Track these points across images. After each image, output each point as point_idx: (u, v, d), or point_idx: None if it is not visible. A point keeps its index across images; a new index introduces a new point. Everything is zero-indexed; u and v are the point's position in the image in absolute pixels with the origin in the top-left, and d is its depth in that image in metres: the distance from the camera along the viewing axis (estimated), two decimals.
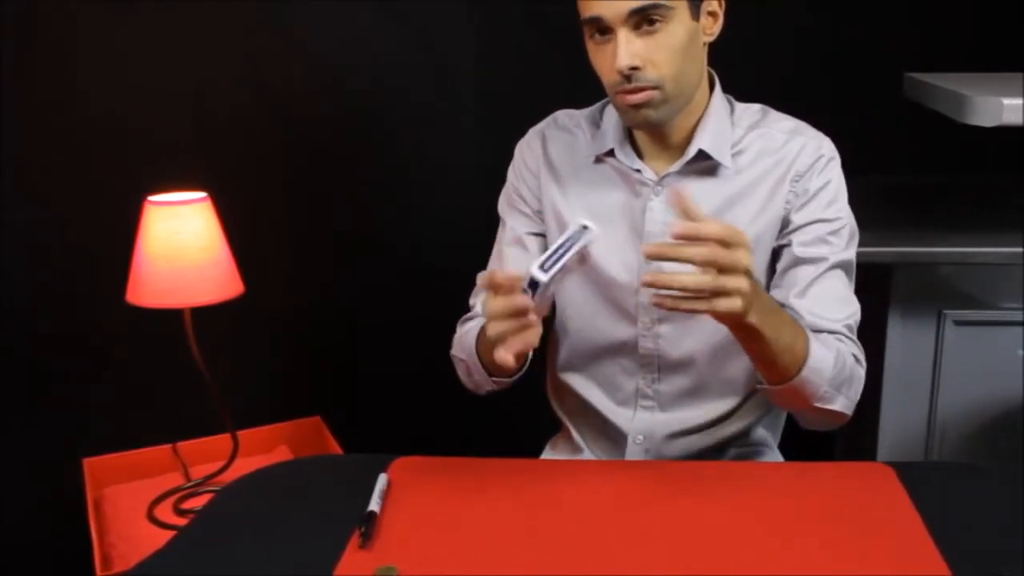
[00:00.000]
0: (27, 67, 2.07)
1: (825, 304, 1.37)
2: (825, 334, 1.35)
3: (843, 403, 1.34)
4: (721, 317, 1.14)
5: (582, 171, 1.47)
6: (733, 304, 1.11)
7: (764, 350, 1.24)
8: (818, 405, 1.31)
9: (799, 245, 1.39)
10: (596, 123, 1.49)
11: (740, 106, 1.45)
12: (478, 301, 1.51)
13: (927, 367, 2.06)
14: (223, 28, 2.19)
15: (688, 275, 1.10)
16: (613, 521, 1.16)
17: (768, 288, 1.42)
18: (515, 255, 1.51)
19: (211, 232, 1.83)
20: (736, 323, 1.18)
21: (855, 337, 1.39)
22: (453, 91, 2.42)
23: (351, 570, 1.07)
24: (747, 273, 1.11)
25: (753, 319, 1.17)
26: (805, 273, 1.38)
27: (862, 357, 1.38)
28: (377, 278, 2.43)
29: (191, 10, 2.14)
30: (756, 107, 1.46)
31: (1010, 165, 2.40)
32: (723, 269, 1.10)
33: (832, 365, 1.30)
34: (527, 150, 1.53)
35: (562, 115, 1.53)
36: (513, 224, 1.53)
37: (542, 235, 1.52)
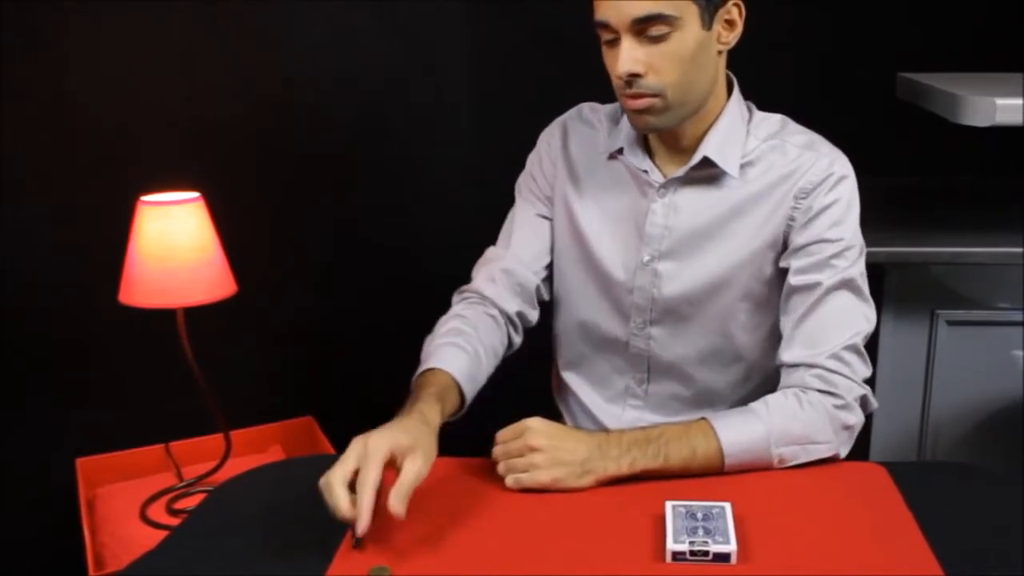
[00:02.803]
0: (20, 69, 2.06)
1: (815, 335, 1.33)
2: (802, 370, 1.32)
3: (820, 450, 1.29)
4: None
5: (597, 168, 1.48)
6: (534, 478, 1.23)
7: (664, 474, 1.25)
8: (784, 467, 1.28)
9: (795, 272, 1.36)
10: (616, 119, 1.48)
11: (759, 115, 1.43)
12: (478, 275, 1.53)
13: (920, 367, 2.07)
14: (217, 29, 2.18)
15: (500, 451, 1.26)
16: (607, 520, 1.16)
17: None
18: (522, 236, 1.52)
19: (204, 232, 1.83)
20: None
21: (848, 358, 1.32)
22: (447, 93, 2.42)
23: (344, 570, 1.07)
24: (531, 450, 1.23)
25: (611, 470, 1.24)
26: (798, 303, 1.35)
27: (850, 382, 1.32)
28: (369, 278, 2.43)
29: (185, 11, 2.13)
30: (777, 118, 1.43)
31: (1003, 166, 2.41)
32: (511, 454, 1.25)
33: (765, 436, 1.26)
34: (549, 139, 1.54)
35: (587, 108, 1.53)
36: (524, 205, 1.54)
37: (544, 217, 1.53)
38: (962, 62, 2.26)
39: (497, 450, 1.26)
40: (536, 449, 1.23)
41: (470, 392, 1.37)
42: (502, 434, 1.27)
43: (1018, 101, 1.84)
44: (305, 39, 2.26)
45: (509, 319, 1.50)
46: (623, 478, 1.24)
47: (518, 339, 1.53)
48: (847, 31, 2.41)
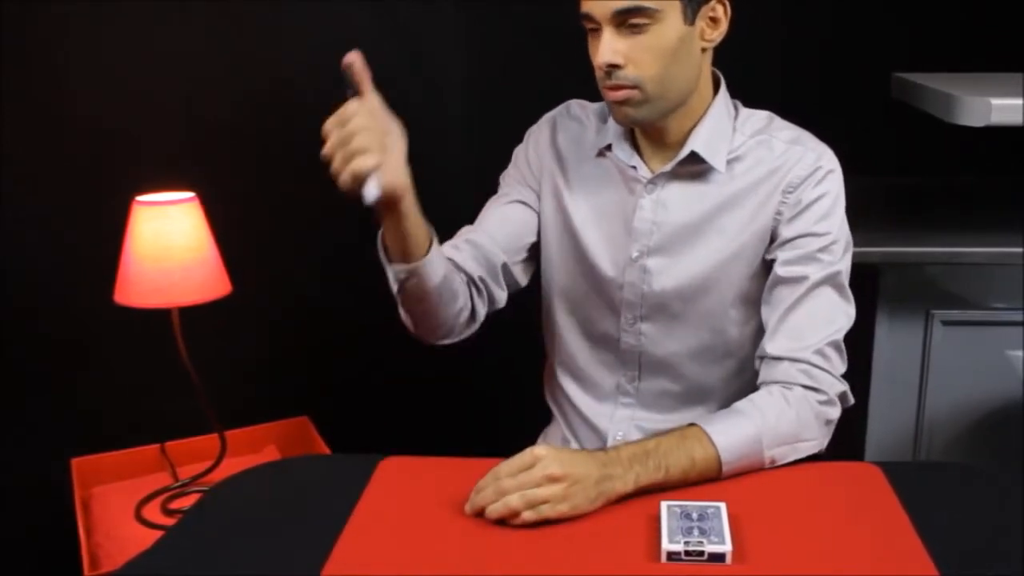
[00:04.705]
0: (17, 69, 2.06)
1: (801, 329, 1.34)
2: (787, 364, 1.33)
3: (807, 447, 1.31)
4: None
5: (586, 163, 1.48)
6: (556, 509, 1.14)
7: (665, 486, 1.22)
8: (774, 467, 1.29)
9: (782, 264, 1.37)
10: (604, 117, 1.49)
11: (746, 112, 1.44)
12: (446, 245, 1.50)
13: (915, 367, 2.07)
14: (212, 29, 2.18)
15: (500, 503, 1.14)
16: (602, 520, 1.16)
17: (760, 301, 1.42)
18: (494, 214, 1.52)
19: (199, 232, 1.83)
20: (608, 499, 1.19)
21: (830, 354, 1.34)
22: (446, 93, 2.41)
23: (339, 570, 1.07)
24: (552, 480, 1.14)
25: (619, 489, 1.18)
26: (784, 295, 1.36)
27: (832, 378, 1.34)
28: (364, 277, 2.41)
29: (180, 12, 2.13)
30: (763, 114, 1.44)
31: (999, 166, 2.41)
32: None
33: (758, 439, 1.26)
34: (537, 134, 1.55)
35: (575, 104, 1.54)
36: (504, 190, 1.55)
37: (526, 204, 1.52)
38: (958, 62, 2.26)
39: (508, 483, 1.15)
40: (556, 479, 1.14)
41: (436, 256, 1.40)
42: (507, 467, 1.17)
43: (1014, 101, 1.84)
44: (302, 41, 2.26)
45: (472, 281, 1.46)
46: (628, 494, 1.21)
47: (482, 309, 1.48)
48: (841, 31, 2.41)
